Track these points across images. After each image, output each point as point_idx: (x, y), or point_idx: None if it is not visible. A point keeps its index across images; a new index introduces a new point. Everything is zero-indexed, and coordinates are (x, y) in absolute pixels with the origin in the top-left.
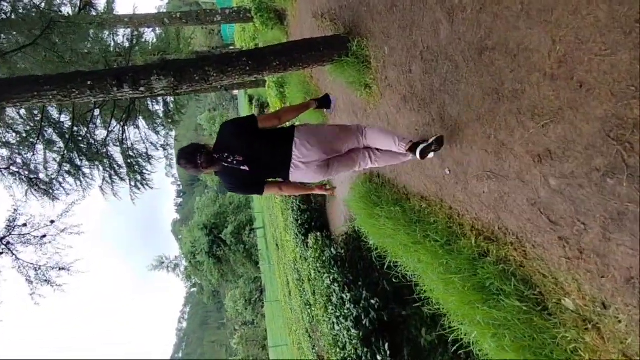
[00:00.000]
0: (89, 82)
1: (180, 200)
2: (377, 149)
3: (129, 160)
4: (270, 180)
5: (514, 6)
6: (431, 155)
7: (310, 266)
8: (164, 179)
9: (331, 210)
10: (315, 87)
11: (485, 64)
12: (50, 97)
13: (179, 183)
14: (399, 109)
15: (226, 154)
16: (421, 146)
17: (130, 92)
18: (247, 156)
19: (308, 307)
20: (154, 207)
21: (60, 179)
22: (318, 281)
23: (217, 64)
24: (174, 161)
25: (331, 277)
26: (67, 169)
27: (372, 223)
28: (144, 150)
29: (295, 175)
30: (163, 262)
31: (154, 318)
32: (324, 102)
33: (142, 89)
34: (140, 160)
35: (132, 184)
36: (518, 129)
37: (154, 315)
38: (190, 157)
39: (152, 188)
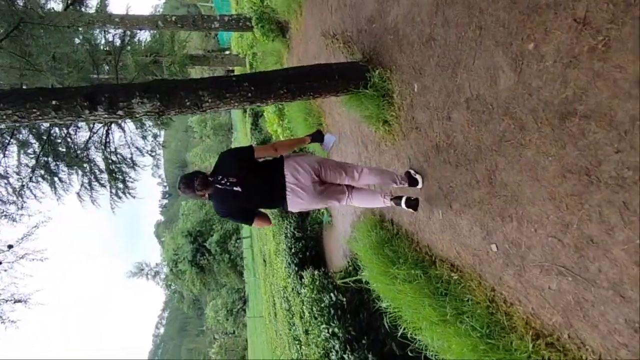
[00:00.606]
0: (53, 102)
1: (165, 202)
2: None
3: (111, 166)
4: (262, 211)
5: (629, 67)
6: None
7: (304, 305)
8: (150, 179)
9: (328, 241)
10: (318, 107)
11: (570, 134)
12: (4, 117)
13: (165, 184)
14: (427, 158)
15: (220, 177)
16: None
17: (106, 115)
18: (240, 178)
19: (297, 343)
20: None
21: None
22: (313, 327)
23: (214, 87)
24: (161, 162)
25: (330, 330)
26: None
27: (386, 282)
28: (129, 156)
29: (292, 202)
30: (143, 269)
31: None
32: (317, 138)
33: (120, 112)
34: (123, 166)
35: (113, 191)
36: (622, 229)
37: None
38: (189, 181)
39: (134, 197)
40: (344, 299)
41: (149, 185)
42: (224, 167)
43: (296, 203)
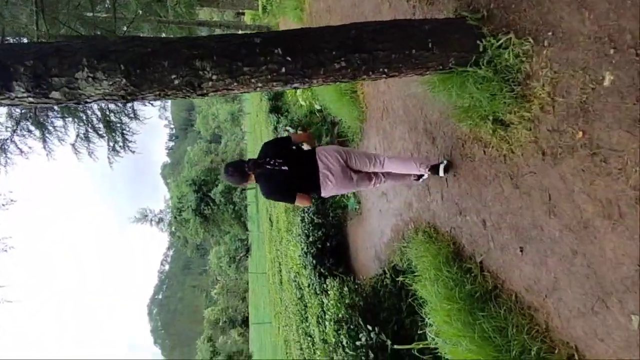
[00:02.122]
0: None
1: (172, 144)
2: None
3: (108, 117)
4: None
5: None
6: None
7: (328, 322)
8: (157, 121)
9: (354, 231)
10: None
11: None
12: None
13: (172, 126)
14: (613, 223)
15: (268, 159)
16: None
17: (30, 98)
18: (285, 159)
19: (310, 339)
20: (144, 146)
21: (17, 139)
22: (336, 349)
23: (222, 56)
24: (168, 103)
25: None
26: (27, 125)
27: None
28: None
29: (325, 186)
30: (147, 216)
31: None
32: None
33: (55, 94)
34: (122, 117)
35: (111, 145)
36: None
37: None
38: (238, 166)
39: (133, 152)
40: (384, 340)
41: (156, 126)
42: (269, 153)
43: (329, 187)
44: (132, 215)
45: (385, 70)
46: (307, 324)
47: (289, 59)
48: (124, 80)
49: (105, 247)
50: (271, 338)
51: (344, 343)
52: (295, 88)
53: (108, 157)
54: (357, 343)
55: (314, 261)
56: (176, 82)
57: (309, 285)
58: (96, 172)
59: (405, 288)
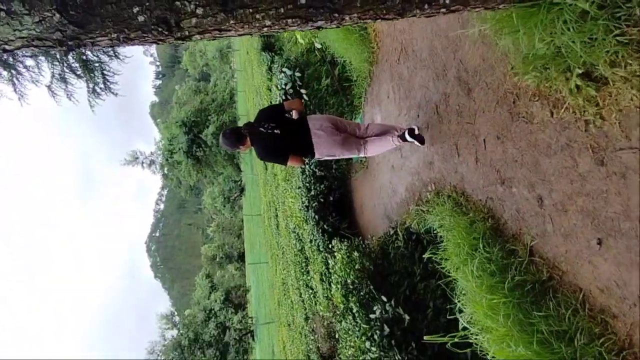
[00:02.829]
0: None
1: (159, 82)
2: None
3: (83, 56)
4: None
5: None
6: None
7: (334, 278)
8: (142, 58)
9: (359, 185)
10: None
11: None
12: None
13: (158, 63)
14: None
15: (262, 123)
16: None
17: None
18: (278, 123)
19: (312, 293)
20: (130, 85)
21: None
22: (346, 316)
23: None
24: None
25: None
26: None
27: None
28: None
29: (318, 146)
30: (137, 158)
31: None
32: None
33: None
34: (101, 55)
35: (90, 87)
36: None
37: (131, 197)
38: (234, 130)
39: (115, 95)
40: (401, 314)
41: (141, 62)
42: (262, 118)
43: (321, 146)
44: (122, 158)
45: (447, 2)
46: (309, 278)
47: None
48: (58, 16)
49: (98, 189)
50: (268, 276)
51: (355, 312)
52: (319, 27)
53: (89, 100)
54: (372, 316)
55: (317, 216)
56: (141, 18)
57: (311, 241)
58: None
59: (419, 251)
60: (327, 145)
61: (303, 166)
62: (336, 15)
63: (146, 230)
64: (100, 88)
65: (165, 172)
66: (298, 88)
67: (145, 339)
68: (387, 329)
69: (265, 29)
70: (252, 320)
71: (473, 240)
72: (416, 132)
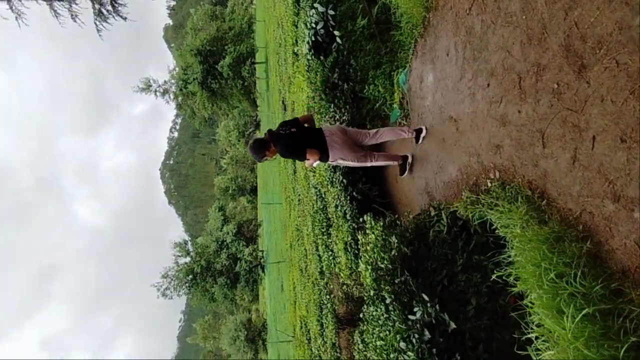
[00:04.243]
0: None
1: (173, 3)
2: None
3: None
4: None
5: None
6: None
7: (364, 257)
8: None
9: (395, 151)
10: None
11: None
12: None
13: None
14: None
15: (282, 128)
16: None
17: None
18: (295, 128)
19: (330, 252)
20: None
21: None
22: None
23: None
24: None
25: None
26: None
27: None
28: None
29: (332, 148)
30: (150, 86)
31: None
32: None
33: None
34: None
35: (96, 8)
36: None
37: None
38: (258, 140)
39: (125, 19)
40: (445, 319)
41: None
42: (282, 125)
43: (335, 149)
44: (135, 85)
45: None
46: (330, 240)
47: None
48: None
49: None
50: (280, 216)
51: (388, 303)
52: None
53: (95, 24)
54: (411, 317)
55: (344, 180)
56: None
57: (336, 206)
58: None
59: (463, 239)
60: (339, 149)
61: (319, 161)
62: None
63: (160, 158)
64: (107, 10)
65: (179, 102)
66: (330, 28)
67: (160, 264)
68: (427, 335)
69: None
70: (262, 254)
71: (561, 264)
72: (423, 133)
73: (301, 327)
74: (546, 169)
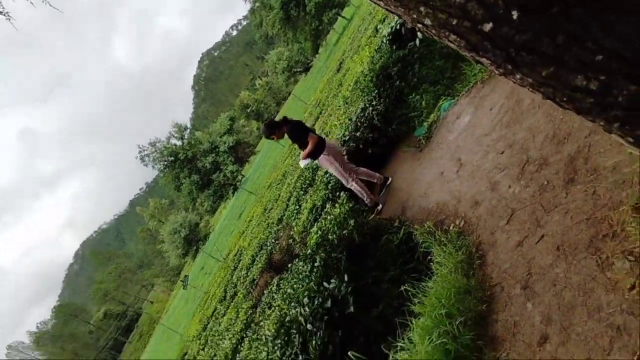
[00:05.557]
0: None
1: None
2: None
3: None
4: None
5: None
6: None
7: (319, 224)
8: None
9: (401, 159)
10: None
11: None
12: None
13: None
14: None
15: (292, 119)
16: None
17: None
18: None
19: (297, 207)
20: None
21: None
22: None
23: None
24: None
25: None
26: None
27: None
28: None
29: (329, 149)
30: None
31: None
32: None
33: None
34: None
35: None
36: None
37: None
38: (272, 122)
39: None
40: (349, 302)
41: None
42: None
43: (331, 150)
44: None
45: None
46: (303, 197)
47: None
48: None
49: None
50: (276, 157)
51: (315, 265)
52: None
53: None
54: (325, 284)
55: (351, 157)
56: None
57: (325, 173)
58: None
59: (405, 257)
60: (333, 153)
61: (310, 159)
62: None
63: (208, 45)
64: None
65: (254, 7)
66: (417, 29)
67: (153, 132)
68: (329, 304)
69: None
70: (241, 179)
71: (456, 309)
72: (388, 182)
73: (235, 255)
74: (497, 240)
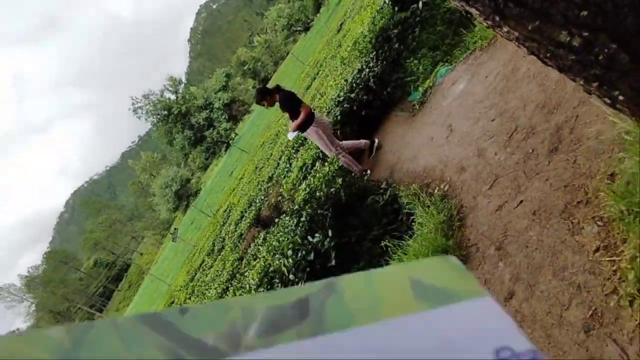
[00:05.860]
0: None
1: None
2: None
3: None
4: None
5: None
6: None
7: (312, 179)
8: None
9: (393, 123)
10: None
11: None
12: None
13: None
14: None
15: (285, 88)
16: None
17: None
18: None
19: (287, 165)
20: None
21: None
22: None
23: None
24: None
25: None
26: None
27: None
28: None
29: (318, 122)
30: None
31: None
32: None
33: None
34: None
35: None
36: None
37: None
38: (264, 89)
39: None
40: (331, 256)
41: None
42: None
43: (320, 123)
44: None
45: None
46: (295, 156)
47: None
48: None
49: None
50: (271, 117)
51: (302, 220)
52: None
53: None
54: (309, 238)
55: (339, 117)
56: None
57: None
58: None
59: (389, 218)
60: (322, 126)
61: (298, 132)
62: None
63: None
64: None
65: None
66: None
67: (147, 84)
68: (311, 257)
69: None
70: (235, 137)
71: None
72: (375, 144)
73: (225, 211)
74: (478, 204)
